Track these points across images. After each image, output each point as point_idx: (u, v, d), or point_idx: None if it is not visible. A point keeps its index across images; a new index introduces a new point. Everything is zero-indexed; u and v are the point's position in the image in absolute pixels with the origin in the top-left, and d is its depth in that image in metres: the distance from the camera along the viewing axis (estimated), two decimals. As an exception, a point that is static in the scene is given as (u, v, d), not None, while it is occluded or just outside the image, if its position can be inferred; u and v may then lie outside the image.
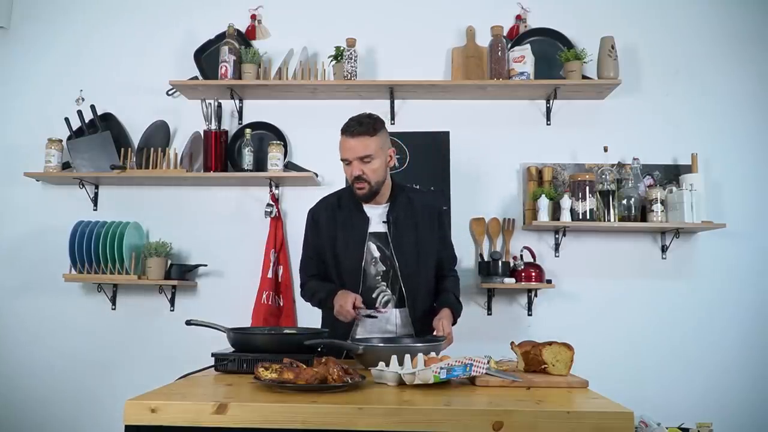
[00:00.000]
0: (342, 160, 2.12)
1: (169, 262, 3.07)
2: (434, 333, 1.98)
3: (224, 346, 1.79)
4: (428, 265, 2.19)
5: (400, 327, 2.13)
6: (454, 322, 2.10)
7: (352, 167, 2.09)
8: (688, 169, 3.02)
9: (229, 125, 3.20)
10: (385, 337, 2.01)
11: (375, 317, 2.07)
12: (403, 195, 2.22)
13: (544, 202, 2.90)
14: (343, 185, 3.12)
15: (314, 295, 2.20)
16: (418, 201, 2.23)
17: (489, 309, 3.04)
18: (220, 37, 3.16)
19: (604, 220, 2.92)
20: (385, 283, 2.13)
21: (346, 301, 1.99)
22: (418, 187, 2.96)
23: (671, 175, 3.06)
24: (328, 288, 2.13)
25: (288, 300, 3.05)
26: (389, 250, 2.13)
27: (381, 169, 2.11)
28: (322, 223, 2.21)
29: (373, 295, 2.13)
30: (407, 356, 1.52)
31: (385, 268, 2.14)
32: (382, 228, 2.15)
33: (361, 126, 2.07)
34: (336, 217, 2.19)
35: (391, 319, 2.13)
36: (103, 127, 3.14)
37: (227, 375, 1.62)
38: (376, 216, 2.17)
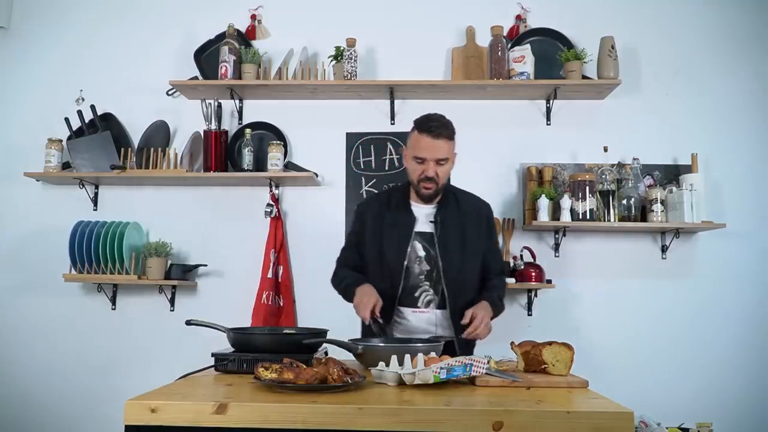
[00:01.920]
0: (416, 157, 2.08)
1: (169, 262, 3.08)
2: (461, 321, 1.96)
3: (224, 346, 1.79)
4: (473, 268, 2.16)
5: (441, 328, 2.11)
6: (492, 317, 2.06)
7: (425, 166, 2.07)
8: (688, 169, 3.02)
9: (229, 125, 3.20)
10: (422, 338, 1.98)
11: (382, 326, 2.00)
12: (451, 196, 2.20)
13: (544, 202, 2.90)
14: (343, 185, 3.15)
15: (342, 281, 2.18)
16: (465, 203, 2.22)
17: (489, 309, 3.04)
18: (220, 37, 3.16)
19: (604, 220, 2.92)
20: (428, 283, 2.12)
21: (369, 302, 1.96)
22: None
23: (671, 175, 3.06)
24: (357, 278, 2.12)
25: (288, 300, 3.05)
26: (434, 249, 2.12)
27: (449, 173, 2.13)
28: (368, 219, 2.21)
29: (415, 294, 2.12)
30: (407, 356, 1.52)
31: (429, 268, 2.12)
32: (428, 228, 2.14)
33: (446, 129, 2.06)
34: (383, 214, 2.19)
35: (432, 319, 2.11)
36: (103, 127, 3.14)
37: (227, 375, 1.62)
38: (423, 216, 2.16)
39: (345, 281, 2.16)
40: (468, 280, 2.15)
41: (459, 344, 2.08)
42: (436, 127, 2.04)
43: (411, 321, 2.11)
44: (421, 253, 2.13)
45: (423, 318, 2.11)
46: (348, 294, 2.11)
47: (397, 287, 2.10)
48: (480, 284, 2.19)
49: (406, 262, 2.11)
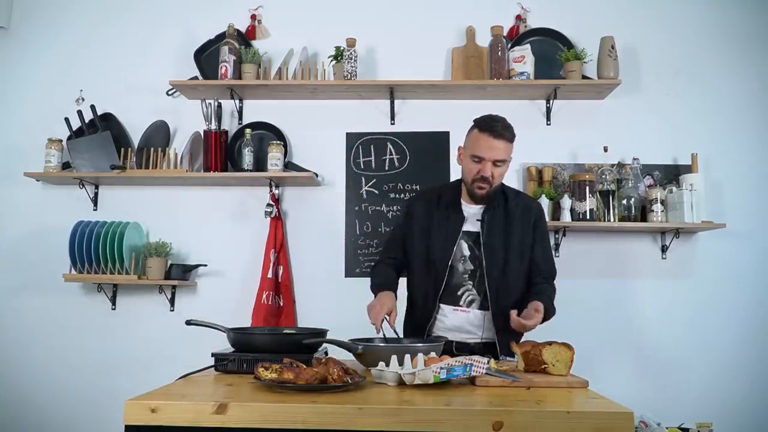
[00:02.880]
0: (474, 155, 2.06)
1: (169, 262, 3.07)
2: (526, 309, 1.94)
3: (224, 346, 1.79)
4: (517, 269, 2.12)
5: (482, 329, 2.10)
6: (543, 320, 2.00)
7: (482, 166, 2.05)
8: (688, 169, 3.02)
9: (229, 125, 3.20)
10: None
11: (392, 336, 1.97)
12: (500, 196, 2.18)
13: (544, 202, 2.90)
14: (343, 185, 3.15)
15: (374, 277, 2.17)
16: (514, 203, 2.19)
17: (489, 309, 3.04)
18: (220, 37, 3.16)
19: (604, 220, 2.92)
20: (471, 282, 2.11)
21: (381, 310, 1.94)
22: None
23: (671, 175, 3.06)
24: (387, 278, 2.12)
25: (288, 300, 3.05)
26: (479, 249, 2.11)
27: (503, 175, 2.12)
28: (417, 214, 2.21)
29: (458, 293, 2.11)
30: (407, 356, 1.52)
31: (473, 267, 2.11)
32: (475, 227, 2.13)
33: (507, 130, 2.05)
34: (432, 211, 2.19)
35: (472, 319, 2.10)
36: (103, 127, 3.14)
37: (227, 375, 1.62)
38: (472, 215, 2.15)
39: (374, 279, 2.16)
40: (511, 281, 2.11)
41: (500, 346, 2.06)
42: (496, 126, 2.03)
43: (451, 319, 2.10)
44: (467, 252, 2.12)
45: (463, 317, 2.10)
46: (374, 290, 2.12)
47: (441, 285, 2.09)
48: (525, 287, 2.14)
49: (450, 261, 2.10)
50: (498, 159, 2.05)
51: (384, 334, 1.92)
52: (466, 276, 2.12)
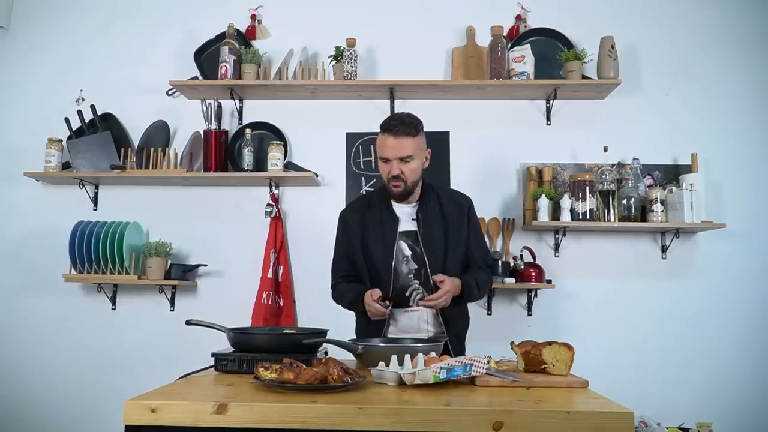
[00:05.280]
0: (381, 157, 2.12)
1: (169, 262, 3.07)
2: (432, 277, 2.03)
3: (224, 346, 1.79)
4: (457, 262, 2.17)
5: (432, 326, 2.13)
6: (462, 298, 2.09)
7: (390, 166, 2.09)
8: (688, 169, 3.02)
9: (229, 125, 3.20)
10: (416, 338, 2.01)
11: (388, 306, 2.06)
12: (432, 193, 2.22)
13: (544, 202, 2.90)
14: (343, 185, 3.15)
15: (344, 298, 2.20)
16: (446, 198, 2.23)
17: (489, 309, 3.04)
18: (220, 37, 3.16)
19: (604, 220, 2.92)
20: (417, 281, 2.12)
21: (370, 301, 2.02)
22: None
23: (671, 175, 3.06)
24: (357, 290, 2.14)
25: (288, 300, 3.05)
26: (419, 248, 2.13)
27: (418, 170, 2.13)
28: (352, 225, 2.22)
29: (406, 294, 2.11)
30: (407, 356, 1.52)
31: (417, 266, 2.13)
32: (412, 226, 2.16)
33: (405, 126, 2.07)
34: (366, 217, 2.20)
35: (423, 316, 2.12)
36: (103, 127, 3.14)
37: (227, 375, 1.62)
38: (406, 215, 2.18)
39: (346, 297, 2.18)
40: (453, 275, 2.13)
41: (451, 342, 2.11)
42: (394, 125, 2.07)
43: (404, 321, 2.12)
44: (408, 252, 2.15)
45: (415, 316, 2.12)
46: (357, 308, 2.15)
47: (389, 289, 2.11)
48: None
49: (393, 263, 2.12)
50: (403, 156, 2.08)
51: (392, 313, 2.01)
52: (411, 276, 2.14)
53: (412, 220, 2.16)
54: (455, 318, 2.16)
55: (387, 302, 2.05)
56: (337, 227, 2.31)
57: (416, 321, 2.12)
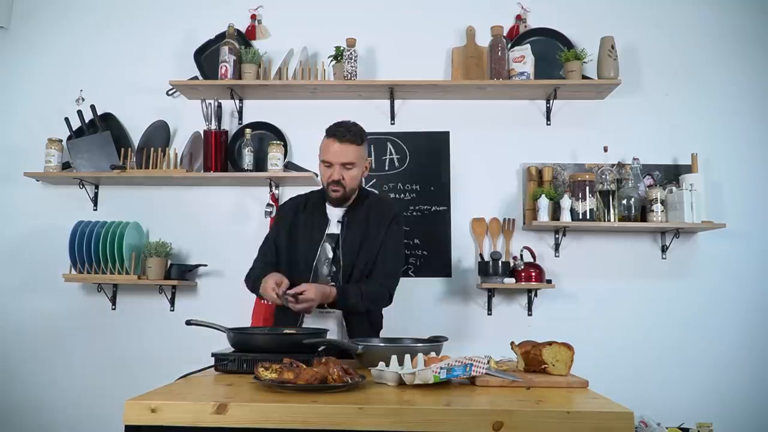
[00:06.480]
0: (323, 161, 2.17)
1: (169, 262, 3.07)
2: (292, 290, 1.94)
3: (224, 346, 1.79)
4: (367, 268, 2.16)
5: (343, 328, 2.13)
6: (334, 305, 2.04)
7: (332, 170, 2.14)
8: (688, 169, 3.02)
9: (229, 125, 3.20)
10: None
11: (293, 301, 1.95)
12: (363, 200, 2.25)
13: (544, 202, 2.90)
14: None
15: (251, 276, 2.19)
16: (372, 206, 2.25)
17: (489, 309, 3.04)
18: (220, 37, 3.16)
19: (604, 220, 2.92)
20: (334, 284, 2.12)
21: (268, 284, 1.97)
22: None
23: (671, 175, 3.06)
24: (266, 270, 2.12)
25: (288, 300, 3.05)
26: (339, 251, 2.16)
27: (358, 178, 2.19)
28: (285, 219, 2.27)
29: None
30: (407, 356, 1.52)
31: (335, 269, 2.16)
32: (337, 229, 2.20)
33: (351, 134, 2.14)
34: (299, 216, 2.25)
35: (337, 320, 2.13)
36: (103, 127, 3.14)
37: (227, 375, 1.62)
38: (335, 218, 2.22)
39: (253, 273, 2.17)
40: (357, 280, 2.14)
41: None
42: (340, 131, 2.13)
43: (317, 321, 2.12)
44: (330, 254, 2.17)
45: (328, 318, 2.13)
46: (257, 288, 2.10)
47: None
48: None
49: (315, 263, 2.14)
50: (346, 162, 2.13)
51: (286, 301, 1.92)
52: (330, 278, 2.15)
53: (338, 222, 2.20)
54: (357, 323, 2.11)
55: (290, 297, 1.94)
56: (275, 220, 2.35)
57: (328, 323, 2.11)
